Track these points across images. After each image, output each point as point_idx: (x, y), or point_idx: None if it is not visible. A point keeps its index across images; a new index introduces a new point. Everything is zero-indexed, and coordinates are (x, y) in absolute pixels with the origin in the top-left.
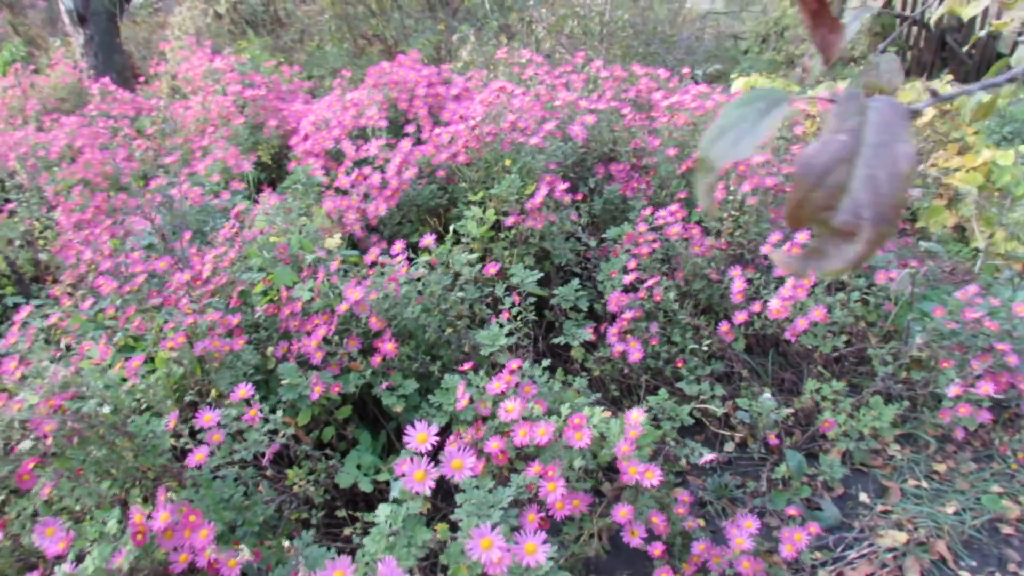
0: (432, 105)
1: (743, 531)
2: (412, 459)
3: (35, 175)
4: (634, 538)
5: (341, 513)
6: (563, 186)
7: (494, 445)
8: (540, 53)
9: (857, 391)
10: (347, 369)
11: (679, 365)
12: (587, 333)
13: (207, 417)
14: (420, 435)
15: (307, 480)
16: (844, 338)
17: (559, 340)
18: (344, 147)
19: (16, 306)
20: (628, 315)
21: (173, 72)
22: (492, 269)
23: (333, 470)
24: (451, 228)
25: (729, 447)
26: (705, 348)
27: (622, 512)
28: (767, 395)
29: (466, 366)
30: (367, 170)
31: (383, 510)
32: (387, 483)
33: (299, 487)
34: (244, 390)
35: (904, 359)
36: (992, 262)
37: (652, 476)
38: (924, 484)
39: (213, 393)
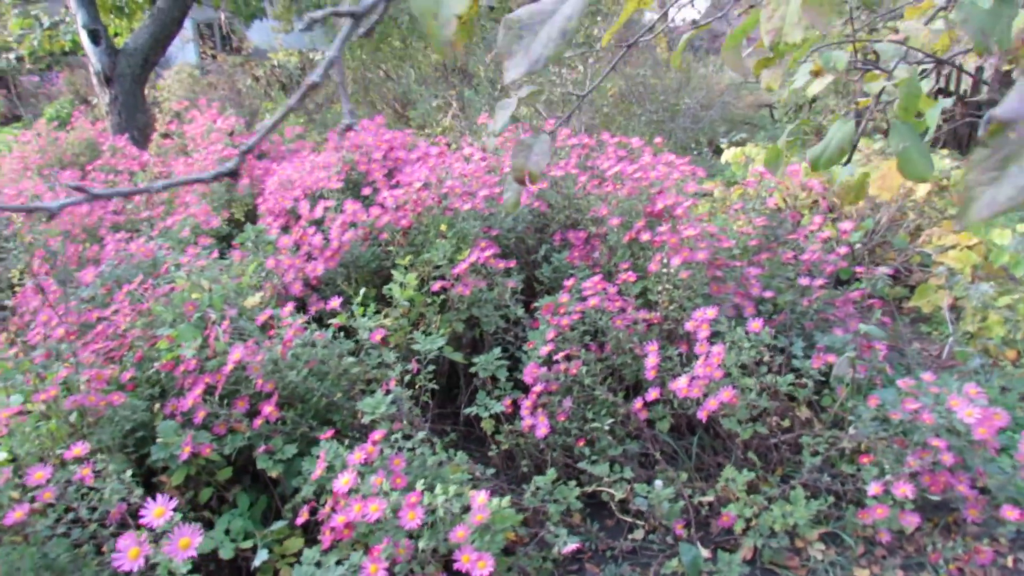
0: (392, 168)
1: None
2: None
3: (32, 225)
4: None
5: None
6: (490, 252)
7: (340, 519)
8: (521, 120)
9: (788, 482)
10: (232, 430)
11: (580, 444)
12: (500, 405)
13: (38, 474)
14: (157, 509)
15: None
16: (783, 423)
17: (470, 410)
18: (300, 207)
19: None
20: (539, 388)
21: (182, 131)
22: (378, 336)
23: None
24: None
25: (638, 534)
26: (619, 426)
27: None
28: (659, 482)
29: (328, 434)
30: (311, 230)
31: None
32: (253, 549)
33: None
34: (79, 448)
35: (836, 450)
36: (970, 349)
37: (484, 566)
38: None
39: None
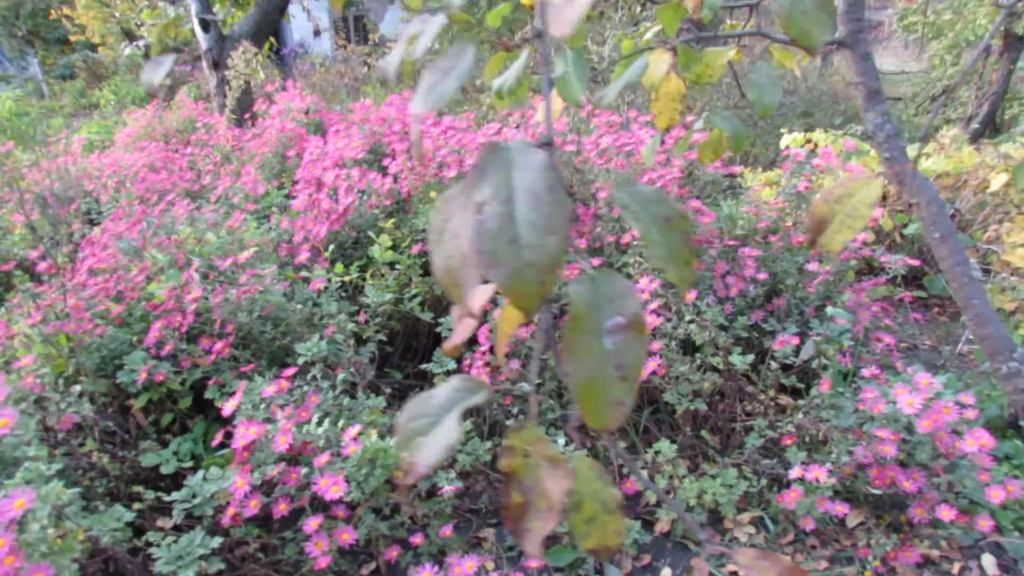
0: (409, 142)
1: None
2: None
3: (116, 190)
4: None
5: (138, 489)
6: None
7: (240, 443)
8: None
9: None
10: (195, 364)
11: (507, 402)
12: (453, 362)
13: None
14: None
15: (100, 451)
16: (745, 405)
17: (426, 366)
18: (325, 176)
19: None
20: (485, 346)
21: (267, 111)
22: (319, 285)
23: (151, 449)
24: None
25: None
26: (566, 391)
27: (313, 523)
28: (562, 440)
29: (248, 368)
30: (322, 195)
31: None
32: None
33: (97, 457)
34: (26, 360)
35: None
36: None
37: (337, 490)
38: (743, 573)
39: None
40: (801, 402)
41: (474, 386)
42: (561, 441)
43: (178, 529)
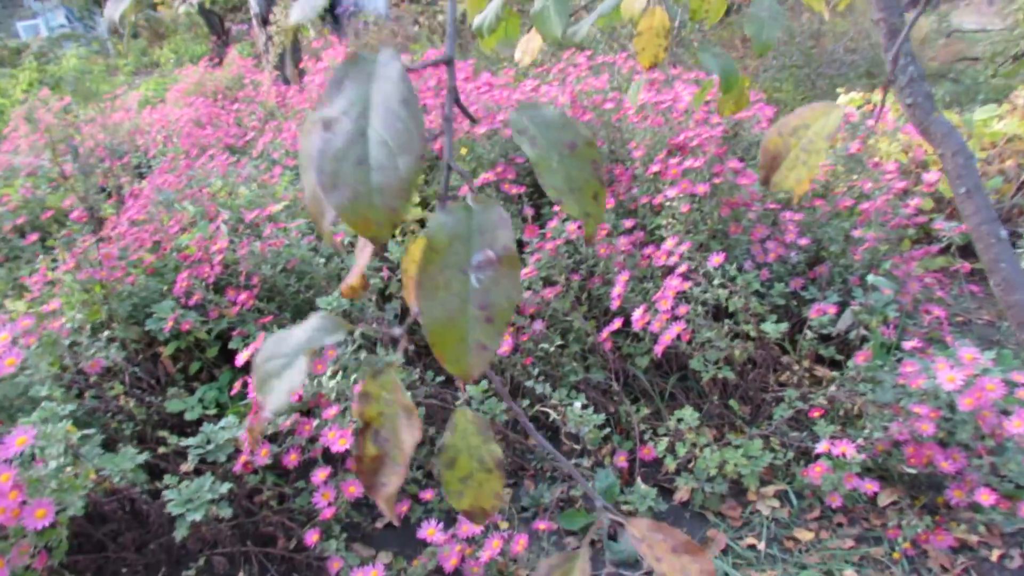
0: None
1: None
2: None
3: (164, 145)
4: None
5: (163, 435)
6: (506, 176)
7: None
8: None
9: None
10: (221, 315)
11: (527, 362)
12: None
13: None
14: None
15: (128, 395)
16: (778, 375)
17: None
18: None
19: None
20: None
21: (311, 67)
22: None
23: (178, 396)
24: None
25: (587, 462)
26: (590, 355)
27: (321, 474)
28: (578, 403)
29: (266, 319)
30: None
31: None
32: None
33: (124, 401)
34: (53, 304)
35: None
36: None
37: (344, 443)
38: (761, 546)
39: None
40: (836, 374)
41: (332, 325)
42: (578, 404)
43: (199, 473)
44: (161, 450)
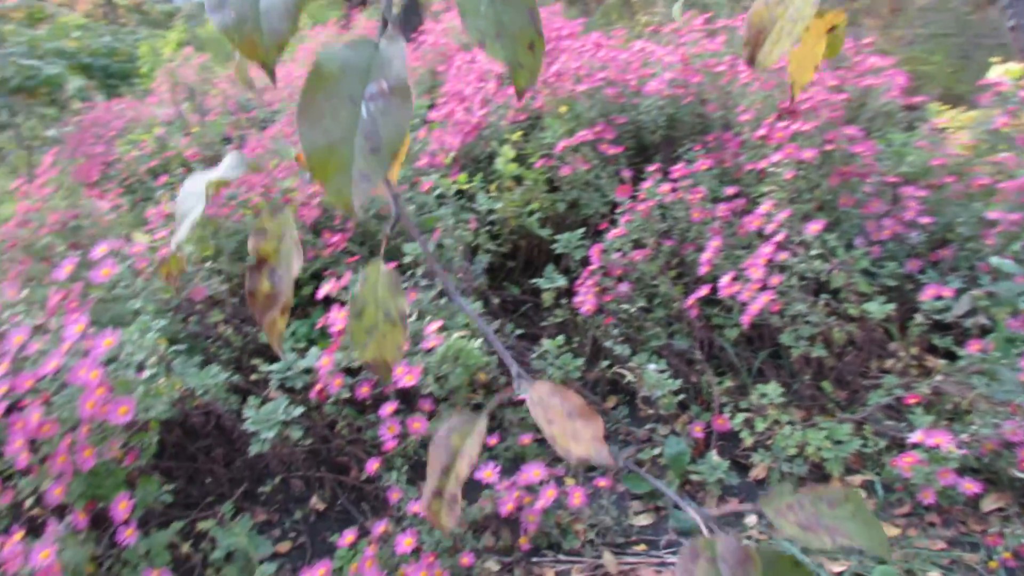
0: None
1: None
2: None
3: (286, 100)
4: None
5: (256, 362)
6: (606, 137)
7: (336, 327)
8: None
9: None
10: (317, 256)
11: (607, 322)
12: (562, 279)
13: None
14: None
15: (226, 323)
16: (883, 362)
17: (536, 281)
18: (465, 90)
19: None
20: (595, 265)
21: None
22: (426, 186)
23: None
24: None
25: (663, 430)
26: (676, 321)
27: (388, 408)
28: (652, 365)
29: (354, 258)
30: (458, 107)
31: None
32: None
33: (223, 329)
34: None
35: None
36: None
37: (411, 379)
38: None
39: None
40: (947, 363)
41: (240, 163)
42: (652, 367)
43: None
44: (252, 377)
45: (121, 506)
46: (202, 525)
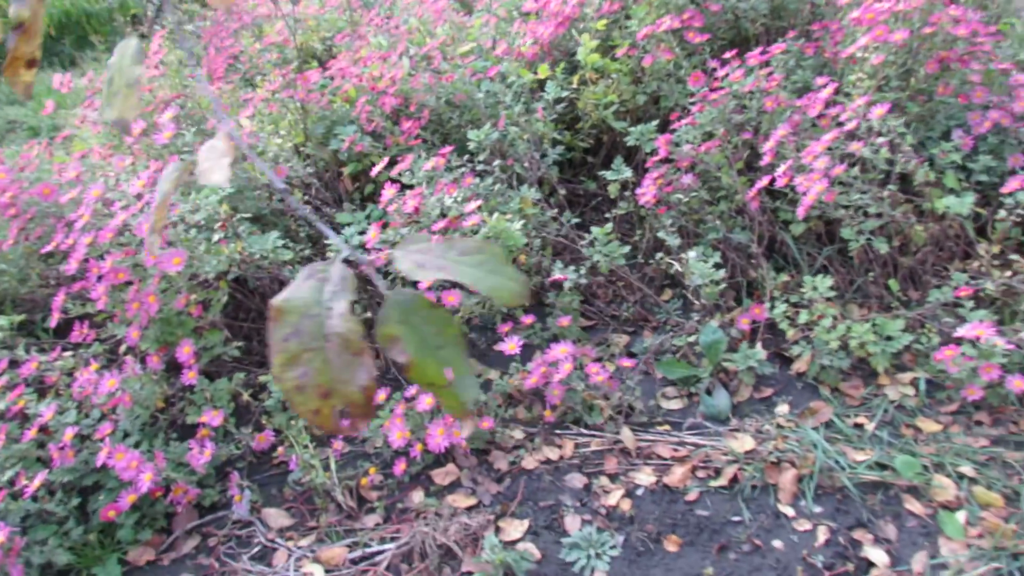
0: None
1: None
2: None
3: None
4: None
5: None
6: (693, 24)
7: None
8: None
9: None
10: (395, 142)
11: (661, 212)
12: (628, 171)
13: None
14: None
15: (306, 203)
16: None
17: (603, 173)
18: None
19: None
20: (661, 155)
21: None
22: (492, 72)
23: (348, 211)
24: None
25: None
26: (738, 216)
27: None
28: (693, 253)
29: (415, 143)
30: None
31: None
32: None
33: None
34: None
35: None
36: None
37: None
38: (871, 427)
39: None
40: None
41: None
42: (693, 253)
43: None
44: (329, 253)
45: (185, 350)
46: (263, 378)
